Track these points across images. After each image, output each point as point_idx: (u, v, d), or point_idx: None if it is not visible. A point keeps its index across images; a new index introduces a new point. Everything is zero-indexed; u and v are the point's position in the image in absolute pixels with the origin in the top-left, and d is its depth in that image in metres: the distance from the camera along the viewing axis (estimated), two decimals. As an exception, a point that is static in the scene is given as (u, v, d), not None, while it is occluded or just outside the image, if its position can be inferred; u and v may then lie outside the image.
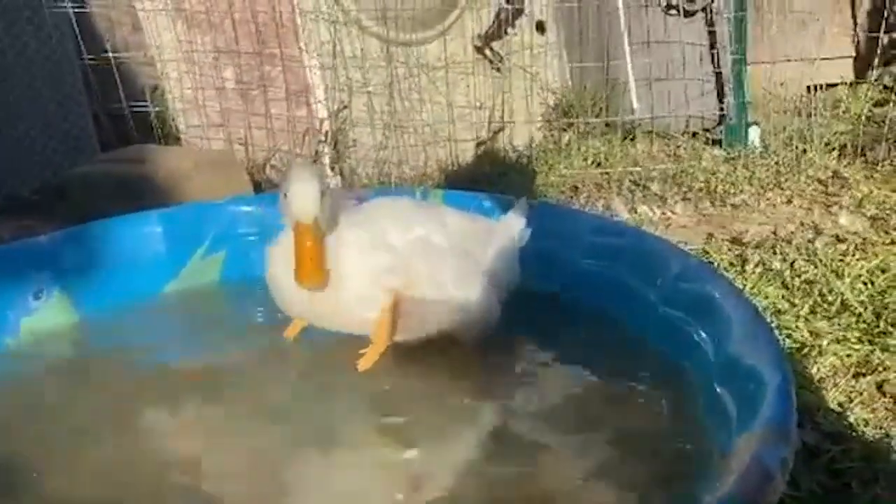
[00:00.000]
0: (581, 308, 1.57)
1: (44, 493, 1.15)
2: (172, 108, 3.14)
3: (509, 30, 3.29)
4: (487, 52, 3.27)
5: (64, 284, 1.68)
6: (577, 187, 2.82)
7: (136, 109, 2.95)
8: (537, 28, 3.44)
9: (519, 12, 3.31)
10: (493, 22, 3.25)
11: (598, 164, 3.00)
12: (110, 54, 2.87)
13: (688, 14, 3.35)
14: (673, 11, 3.36)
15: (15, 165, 2.80)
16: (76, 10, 2.84)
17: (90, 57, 2.86)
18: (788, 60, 3.61)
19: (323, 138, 3.11)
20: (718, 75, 3.36)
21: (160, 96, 3.12)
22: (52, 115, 2.85)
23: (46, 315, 1.63)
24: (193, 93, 3.11)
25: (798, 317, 1.78)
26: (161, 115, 3.05)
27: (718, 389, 1.14)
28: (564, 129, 3.32)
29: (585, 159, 3.04)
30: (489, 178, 2.85)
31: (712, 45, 3.36)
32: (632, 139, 3.23)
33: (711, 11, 3.33)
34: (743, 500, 0.86)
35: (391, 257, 1.34)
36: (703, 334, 1.28)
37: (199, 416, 1.36)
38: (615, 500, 1.04)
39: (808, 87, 3.64)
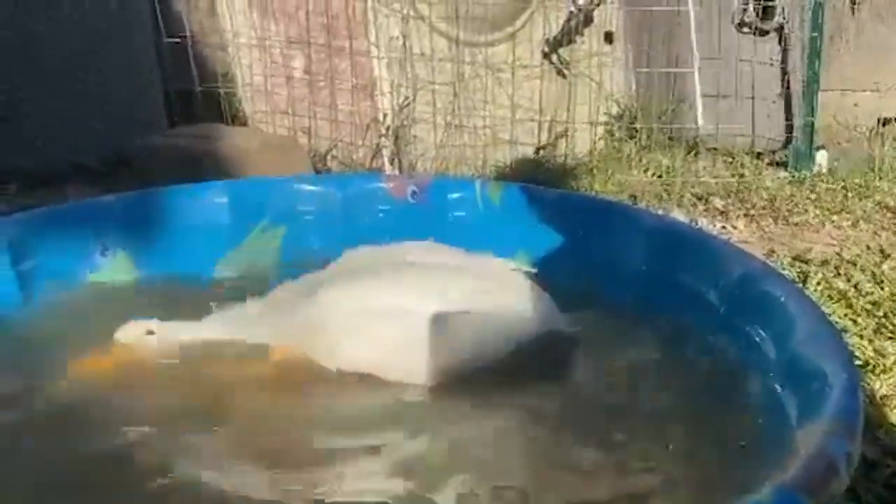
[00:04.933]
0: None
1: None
2: (241, 93, 3.20)
3: (577, 38, 3.28)
4: (554, 57, 3.26)
5: (128, 244, 1.72)
6: (635, 197, 2.79)
7: (205, 90, 3.01)
8: (605, 38, 3.42)
9: (588, 21, 3.30)
10: (563, 28, 3.24)
11: (659, 176, 2.96)
12: (187, 35, 2.94)
13: (761, 33, 3.30)
14: (745, 29, 3.31)
15: (85, 135, 2.87)
16: (156, -12, 2.93)
17: (167, 36, 2.94)
18: (862, 91, 3.53)
19: (384, 132, 3.14)
20: (788, 97, 3.30)
21: (230, 81, 3.18)
22: (124, 88, 2.92)
23: (110, 271, 1.67)
24: (263, 79, 3.17)
25: (862, 336, 1.73)
26: (230, 99, 3.11)
27: (784, 386, 1.11)
28: (626, 140, 3.29)
29: (646, 170, 3.01)
30: (546, 183, 2.83)
31: (783, 66, 3.30)
32: (695, 154, 3.19)
33: (785, 31, 3.27)
34: (806, 491, 0.84)
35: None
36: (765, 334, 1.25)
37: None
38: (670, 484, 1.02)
39: (878, 119, 3.55)
